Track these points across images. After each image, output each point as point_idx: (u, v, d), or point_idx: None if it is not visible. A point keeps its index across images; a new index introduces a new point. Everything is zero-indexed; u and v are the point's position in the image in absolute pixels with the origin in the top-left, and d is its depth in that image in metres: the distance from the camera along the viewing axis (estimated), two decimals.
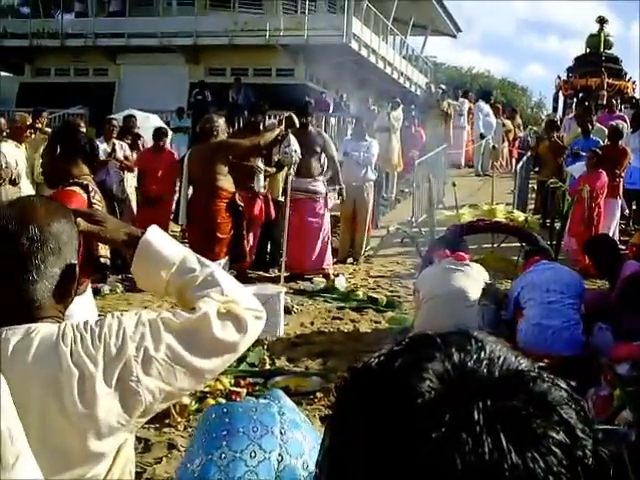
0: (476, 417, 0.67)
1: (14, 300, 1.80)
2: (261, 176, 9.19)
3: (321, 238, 9.66)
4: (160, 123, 13.17)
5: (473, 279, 6.32)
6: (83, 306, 3.98)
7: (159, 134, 10.68)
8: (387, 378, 0.74)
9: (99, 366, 1.70)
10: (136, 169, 10.38)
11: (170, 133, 11.65)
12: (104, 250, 4.04)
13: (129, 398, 1.73)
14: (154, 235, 2.04)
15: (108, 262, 4.19)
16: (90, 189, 4.11)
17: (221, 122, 7.90)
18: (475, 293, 6.18)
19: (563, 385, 0.73)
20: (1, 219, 1.82)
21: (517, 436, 0.67)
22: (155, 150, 10.61)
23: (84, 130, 8.42)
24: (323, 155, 9.80)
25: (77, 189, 4.08)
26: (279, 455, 1.06)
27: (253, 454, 1.04)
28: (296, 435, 1.08)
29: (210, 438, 1.06)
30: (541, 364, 0.76)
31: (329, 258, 9.81)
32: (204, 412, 1.16)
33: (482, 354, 0.74)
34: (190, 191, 7.88)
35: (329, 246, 9.83)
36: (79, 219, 2.00)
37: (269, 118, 18.29)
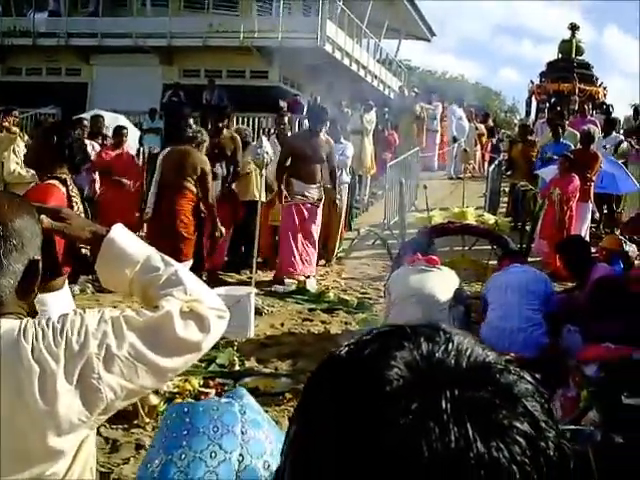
0: (444, 406, 0.68)
1: None
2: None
3: (315, 243, 9.67)
4: (127, 123, 13.04)
5: (444, 282, 6.34)
6: (61, 301, 3.98)
7: (119, 132, 10.64)
8: (355, 365, 0.74)
9: (60, 363, 1.69)
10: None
11: (128, 132, 11.50)
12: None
13: (90, 395, 1.72)
14: (118, 233, 2.03)
15: (89, 254, 4.18)
16: (69, 183, 4.15)
17: (207, 138, 8.11)
18: (445, 296, 6.21)
19: (529, 378, 0.74)
20: None
21: (483, 426, 0.67)
22: (114, 148, 10.53)
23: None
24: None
25: (56, 183, 4.12)
26: (240, 455, 1.05)
27: (213, 454, 1.03)
28: (258, 435, 1.07)
29: (170, 438, 1.05)
30: (507, 357, 0.77)
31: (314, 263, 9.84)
32: (165, 411, 1.15)
33: (450, 345, 0.75)
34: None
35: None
36: (42, 216, 1.99)
37: (244, 121, 18.37)
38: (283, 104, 18.46)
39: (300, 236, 9.36)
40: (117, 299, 8.57)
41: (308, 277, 9.49)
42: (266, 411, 5.19)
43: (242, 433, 1.05)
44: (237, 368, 6.31)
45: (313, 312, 8.29)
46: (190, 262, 7.70)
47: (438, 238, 7.86)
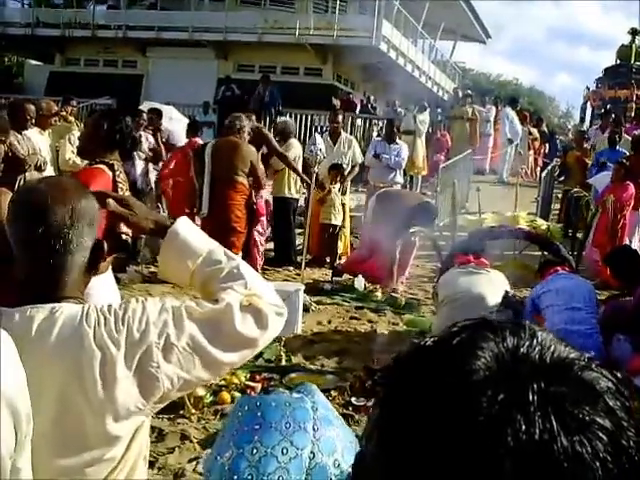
0: (530, 398, 0.69)
1: (43, 274, 1.81)
2: None
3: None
4: (180, 116, 13.06)
5: (493, 285, 6.30)
6: (104, 285, 4.02)
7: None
8: (443, 355, 0.76)
9: (121, 349, 1.71)
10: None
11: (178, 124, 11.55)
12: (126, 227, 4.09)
13: (148, 383, 1.74)
14: (183, 225, 2.05)
15: (129, 239, 4.24)
16: (116, 168, 4.17)
17: (248, 122, 8.02)
18: (494, 299, 6.16)
19: (610, 376, 0.75)
20: (39, 193, 1.84)
21: (566, 420, 0.68)
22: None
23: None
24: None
25: (103, 167, 4.15)
26: (311, 452, 1.05)
27: (285, 450, 1.03)
28: (329, 432, 1.07)
29: (242, 431, 1.06)
30: (589, 355, 0.77)
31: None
32: (236, 402, 1.16)
33: (534, 341, 0.76)
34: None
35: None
36: (110, 200, 2.02)
37: (295, 117, 18.41)
38: (336, 102, 18.49)
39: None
40: (166, 289, 8.65)
41: (356, 275, 9.49)
42: None
43: (314, 430, 1.06)
44: (283, 363, 6.33)
45: (360, 311, 8.28)
46: (239, 255, 7.74)
47: (489, 241, 7.78)
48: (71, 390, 1.67)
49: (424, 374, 0.75)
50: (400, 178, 10.96)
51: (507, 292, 6.38)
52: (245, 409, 1.10)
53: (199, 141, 10.71)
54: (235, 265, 1.97)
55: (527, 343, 0.75)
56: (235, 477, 1.02)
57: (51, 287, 1.81)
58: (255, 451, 1.03)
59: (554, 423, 0.68)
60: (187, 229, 2.05)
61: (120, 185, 4.15)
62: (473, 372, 0.71)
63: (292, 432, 1.05)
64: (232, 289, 1.90)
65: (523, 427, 0.68)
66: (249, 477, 1.01)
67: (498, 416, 0.68)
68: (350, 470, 1.02)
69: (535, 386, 0.70)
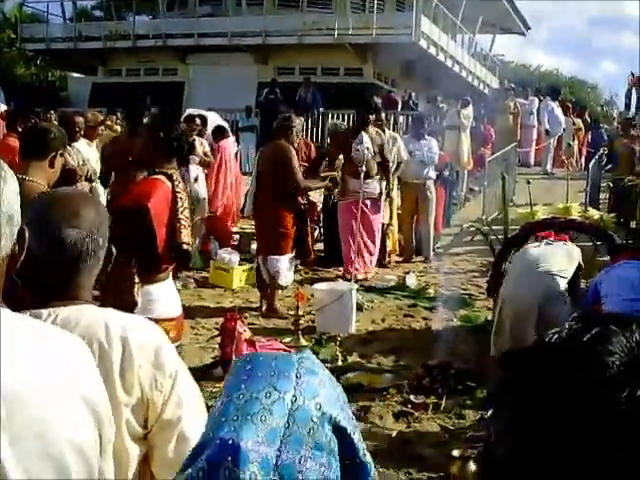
0: None
1: (63, 278, 1.89)
2: None
3: (378, 238, 9.61)
4: (221, 121, 13.06)
5: (566, 254, 6.14)
6: (165, 291, 4.07)
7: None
8: (575, 351, 0.74)
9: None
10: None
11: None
12: (187, 237, 4.13)
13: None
14: None
15: (190, 249, 4.28)
16: (175, 178, 4.20)
17: (298, 122, 8.02)
18: (558, 264, 6.00)
19: None
20: (56, 211, 1.92)
21: None
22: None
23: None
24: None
25: (162, 178, 4.18)
26: (293, 396, 1.13)
27: (268, 394, 1.13)
28: (312, 380, 1.17)
29: (232, 383, 1.17)
30: None
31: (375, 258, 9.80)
32: (232, 364, 1.27)
33: None
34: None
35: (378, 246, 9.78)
36: None
37: (338, 117, 18.42)
38: (377, 100, 18.46)
39: (362, 233, 9.20)
40: (218, 293, 8.72)
41: (408, 273, 9.45)
42: (369, 407, 5.19)
43: (297, 377, 1.15)
44: (340, 363, 6.32)
45: (413, 308, 8.25)
46: (291, 255, 7.74)
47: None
48: None
49: (557, 372, 0.74)
50: (433, 173, 10.90)
51: (581, 265, 6.24)
52: (238, 366, 1.21)
53: (227, 144, 10.76)
54: None
55: None
56: (223, 419, 1.12)
57: (69, 289, 1.89)
58: (242, 396, 1.13)
59: None
60: None
61: (179, 195, 4.19)
62: (608, 368, 0.70)
63: (276, 379, 1.15)
64: None
65: None
66: (235, 418, 1.11)
67: (637, 412, 0.67)
68: (331, 412, 1.13)
69: None
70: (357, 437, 1.21)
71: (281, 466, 1.13)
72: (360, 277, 9.04)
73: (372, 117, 9.29)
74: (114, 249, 2.00)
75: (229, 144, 11.01)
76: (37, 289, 1.87)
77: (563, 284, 5.84)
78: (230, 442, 1.11)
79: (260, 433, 1.12)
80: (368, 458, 1.22)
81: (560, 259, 6.04)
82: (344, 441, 1.19)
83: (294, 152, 7.89)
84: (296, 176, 7.64)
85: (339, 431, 1.18)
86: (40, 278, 1.86)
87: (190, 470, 1.14)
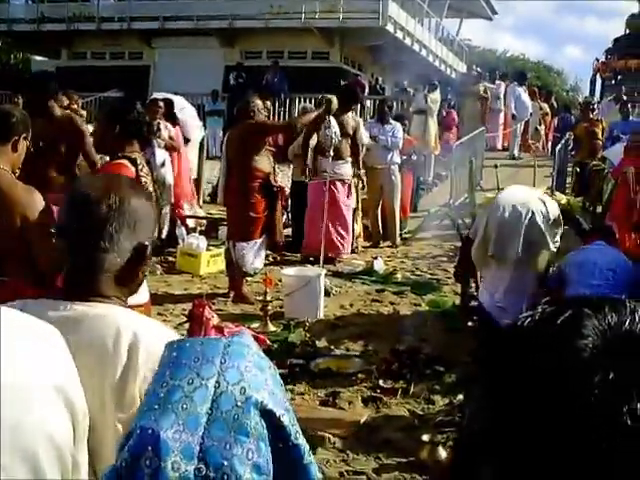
0: None
1: (83, 268, 1.79)
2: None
3: (347, 221, 9.61)
4: (187, 105, 12.82)
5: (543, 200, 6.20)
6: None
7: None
8: (548, 334, 0.74)
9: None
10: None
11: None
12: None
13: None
14: None
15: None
16: (138, 162, 4.16)
17: (258, 102, 7.96)
18: (539, 204, 6.05)
19: None
20: (87, 186, 1.88)
21: None
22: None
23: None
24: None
25: (125, 162, 4.14)
26: (216, 382, 1.15)
27: (191, 381, 1.14)
28: (238, 364, 1.17)
29: (158, 372, 1.17)
30: None
31: (349, 243, 9.80)
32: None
33: (637, 317, 0.74)
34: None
35: (350, 230, 9.78)
36: None
37: (305, 101, 18.35)
38: (343, 84, 18.40)
39: (329, 214, 9.12)
40: (185, 279, 8.67)
41: (375, 258, 9.45)
42: (338, 392, 5.18)
43: (221, 363, 1.16)
44: (308, 349, 6.31)
45: (381, 293, 8.26)
46: (260, 240, 7.68)
47: None
48: (94, 383, 1.65)
49: (529, 356, 0.73)
50: (397, 158, 10.89)
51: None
52: (165, 354, 1.19)
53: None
54: None
55: (629, 319, 0.73)
56: (145, 408, 1.13)
57: (89, 281, 1.80)
58: (165, 385, 1.14)
59: None
60: None
61: (144, 179, 4.14)
62: (581, 351, 0.70)
63: (200, 365, 1.15)
64: None
65: (639, 405, 0.66)
66: (156, 407, 1.12)
67: (613, 393, 0.67)
68: (257, 397, 1.15)
69: None
70: (288, 420, 1.21)
71: (205, 453, 1.13)
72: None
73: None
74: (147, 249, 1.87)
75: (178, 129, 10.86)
76: (64, 281, 1.83)
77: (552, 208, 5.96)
78: (150, 432, 1.11)
79: (181, 421, 1.12)
80: (301, 440, 1.23)
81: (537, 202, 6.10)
82: (274, 425, 1.19)
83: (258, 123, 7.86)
84: (273, 125, 7.63)
85: (267, 415, 1.18)
86: (66, 268, 1.82)
87: (116, 461, 1.14)
